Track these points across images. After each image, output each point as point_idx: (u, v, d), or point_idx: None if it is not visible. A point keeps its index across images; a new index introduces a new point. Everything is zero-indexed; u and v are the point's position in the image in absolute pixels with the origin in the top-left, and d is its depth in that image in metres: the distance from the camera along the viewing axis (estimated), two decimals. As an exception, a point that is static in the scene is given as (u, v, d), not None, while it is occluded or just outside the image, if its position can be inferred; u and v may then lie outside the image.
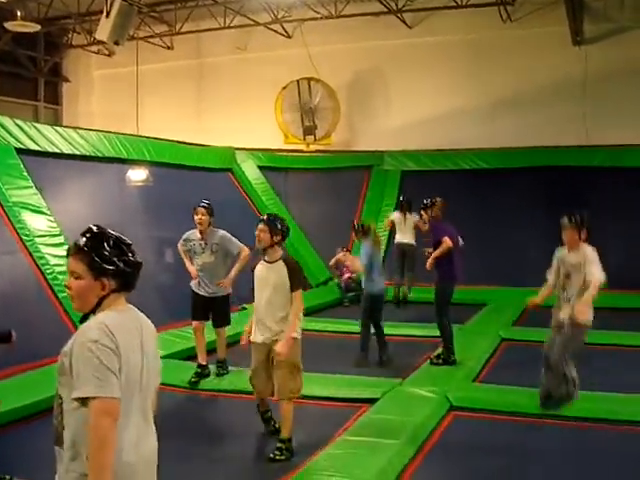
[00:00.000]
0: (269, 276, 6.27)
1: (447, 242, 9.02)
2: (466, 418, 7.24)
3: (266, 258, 6.35)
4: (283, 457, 6.08)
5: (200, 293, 8.34)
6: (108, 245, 2.90)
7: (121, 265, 2.89)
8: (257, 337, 6.32)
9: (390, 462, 5.77)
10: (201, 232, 8.25)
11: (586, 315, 6.81)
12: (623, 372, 8.65)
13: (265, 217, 6.48)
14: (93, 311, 2.89)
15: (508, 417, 7.17)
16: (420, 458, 6.13)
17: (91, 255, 2.87)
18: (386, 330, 11.14)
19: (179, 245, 8.59)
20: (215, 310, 8.37)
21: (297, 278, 6.31)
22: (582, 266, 7.00)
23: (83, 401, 2.67)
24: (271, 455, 6.12)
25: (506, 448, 6.50)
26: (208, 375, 8.31)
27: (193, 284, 8.39)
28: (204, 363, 8.34)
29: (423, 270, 9.73)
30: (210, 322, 8.46)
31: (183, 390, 8.11)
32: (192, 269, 8.36)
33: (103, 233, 2.96)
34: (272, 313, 6.22)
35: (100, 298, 2.89)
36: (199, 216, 8.18)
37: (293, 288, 6.20)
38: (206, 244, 8.24)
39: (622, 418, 6.81)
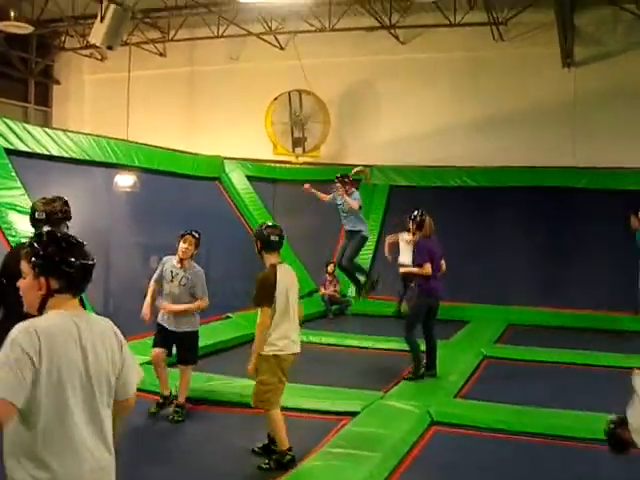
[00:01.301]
0: None
1: (427, 270, 9.06)
2: (447, 433, 7.25)
3: None
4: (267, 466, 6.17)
5: (164, 325, 7.68)
6: (50, 245, 2.94)
7: (63, 266, 2.92)
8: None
9: (371, 474, 5.78)
10: (181, 261, 7.63)
11: None
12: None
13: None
14: (40, 311, 2.94)
15: (489, 433, 7.19)
16: (400, 471, 6.13)
17: (31, 254, 2.94)
18: (370, 344, 11.20)
19: (160, 266, 7.86)
20: (180, 345, 7.69)
21: (256, 292, 6.37)
22: None
23: None
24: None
25: (486, 464, 6.51)
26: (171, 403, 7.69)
27: (159, 316, 7.78)
28: (166, 393, 7.72)
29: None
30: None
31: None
32: (147, 310, 7.72)
33: (49, 234, 3.04)
34: None
35: (42, 298, 2.93)
36: (185, 245, 7.59)
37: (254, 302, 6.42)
38: (177, 274, 7.61)
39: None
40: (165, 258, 7.82)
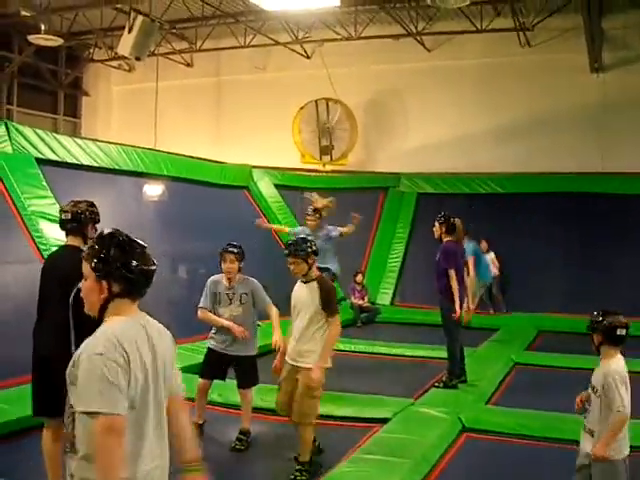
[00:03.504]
0: None
1: (452, 276, 8.86)
2: (478, 440, 7.21)
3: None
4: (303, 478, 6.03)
5: (219, 350, 7.12)
6: (113, 248, 2.89)
7: (123, 270, 2.87)
8: None
9: (403, 481, 5.75)
10: (229, 280, 7.08)
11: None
12: None
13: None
14: (100, 314, 2.90)
15: (520, 440, 7.13)
16: (432, 478, 6.10)
17: (93, 256, 2.89)
18: (400, 351, 11.15)
19: (206, 290, 7.18)
20: (240, 368, 7.15)
21: (332, 300, 6.29)
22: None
23: (88, 414, 2.65)
24: (291, 476, 6.03)
25: (517, 471, 6.46)
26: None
27: (213, 341, 7.20)
28: (200, 422, 7.14)
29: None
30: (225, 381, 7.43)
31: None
32: (229, 323, 7.00)
33: (112, 236, 2.96)
34: None
35: (104, 302, 2.88)
36: (227, 264, 7.01)
37: None
38: (234, 294, 7.05)
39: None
40: (209, 281, 7.17)
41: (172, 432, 3.10)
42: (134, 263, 2.90)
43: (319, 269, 6.47)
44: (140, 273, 2.91)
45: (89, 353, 2.71)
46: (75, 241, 5.40)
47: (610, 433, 4.63)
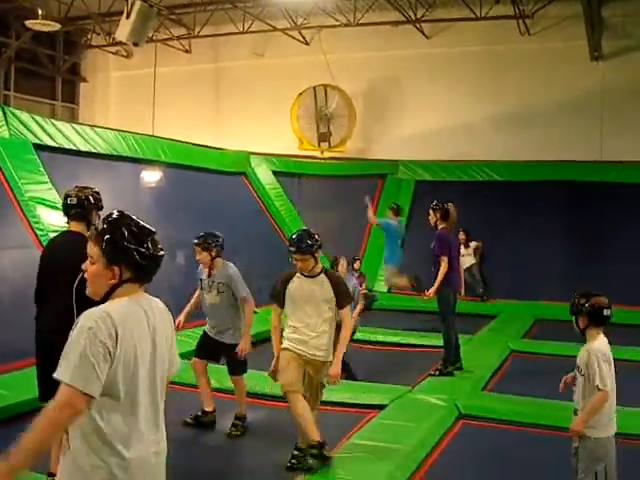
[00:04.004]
0: None
1: (444, 263, 8.94)
2: (475, 427, 7.23)
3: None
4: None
5: (211, 335, 7.19)
6: (125, 233, 2.83)
7: (135, 255, 2.81)
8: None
9: (398, 467, 5.76)
10: (209, 268, 7.11)
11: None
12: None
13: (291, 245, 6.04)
14: (105, 299, 2.83)
15: (516, 427, 7.16)
16: (428, 464, 6.12)
17: (105, 241, 2.82)
18: (396, 339, 11.17)
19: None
20: (229, 356, 7.11)
21: (346, 291, 6.40)
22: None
23: (60, 382, 2.62)
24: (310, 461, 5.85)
25: (513, 457, 6.49)
26: (210, 425, 7.11)
27: (207, 326, 7.30)
28: (209, 409, 7.13)
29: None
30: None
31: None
32: (182, 317, 7.30)
33: (123, 219, 2.90)
34: None
35: (112, 287, 2.83)
36: (197, 257, 7.12)
37: None
38: (212, 282, 7.08)
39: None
40: (200, 266, 7.26)
41: None
42: (146, 249, 2.85)
43: None
44: (151, 259, 2.88)
45: (80, 324, 2.68)
46: (78, 227, 5.36)
47: (589, 408, 4.70)
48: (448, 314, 9.14)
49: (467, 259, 14.66)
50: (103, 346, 2.65)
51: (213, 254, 7.04)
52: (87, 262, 2.89)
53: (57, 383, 2.62)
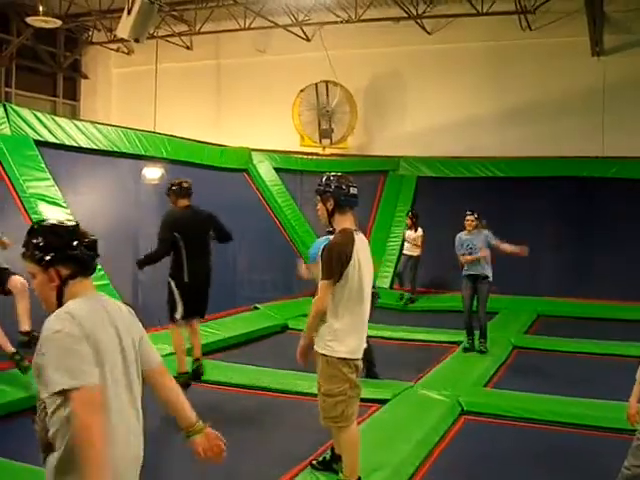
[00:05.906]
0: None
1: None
2: (477, 423, 7.22)
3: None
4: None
5: None
6: (42, 235, 2.87)
7: (67, 250, 2.84)
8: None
9: (402, 462, 5.75)
10: None
11: None
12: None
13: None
14: (60, 304, 2.83)
15: (518, 423, 7.15)
16: (431, 460, 6.11)
17: (30, 249, 2.86)
18: (400, 335, 11.18)
19: None
20: None
21: (325, 262, 4.87)
22: None
23: (65, 396, 2.56)
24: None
25: (516, 454, 6.47)
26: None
27: None
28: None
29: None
30: None
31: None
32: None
33: (39, 225, 2.96)
34: None
35: (57, 289, 2.84)
36: None
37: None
38: None
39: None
40: None
41: (164, 401, 3.10)
42: (74, 240, 2.88)
43: None
44: (84, 247, 2.89)
45: (46, 335, 2.66)
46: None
47: None
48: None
49: (412, 248, 14.20)
50: (79, 337, 2.65)
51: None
52: (33, 281, 2.91)
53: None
